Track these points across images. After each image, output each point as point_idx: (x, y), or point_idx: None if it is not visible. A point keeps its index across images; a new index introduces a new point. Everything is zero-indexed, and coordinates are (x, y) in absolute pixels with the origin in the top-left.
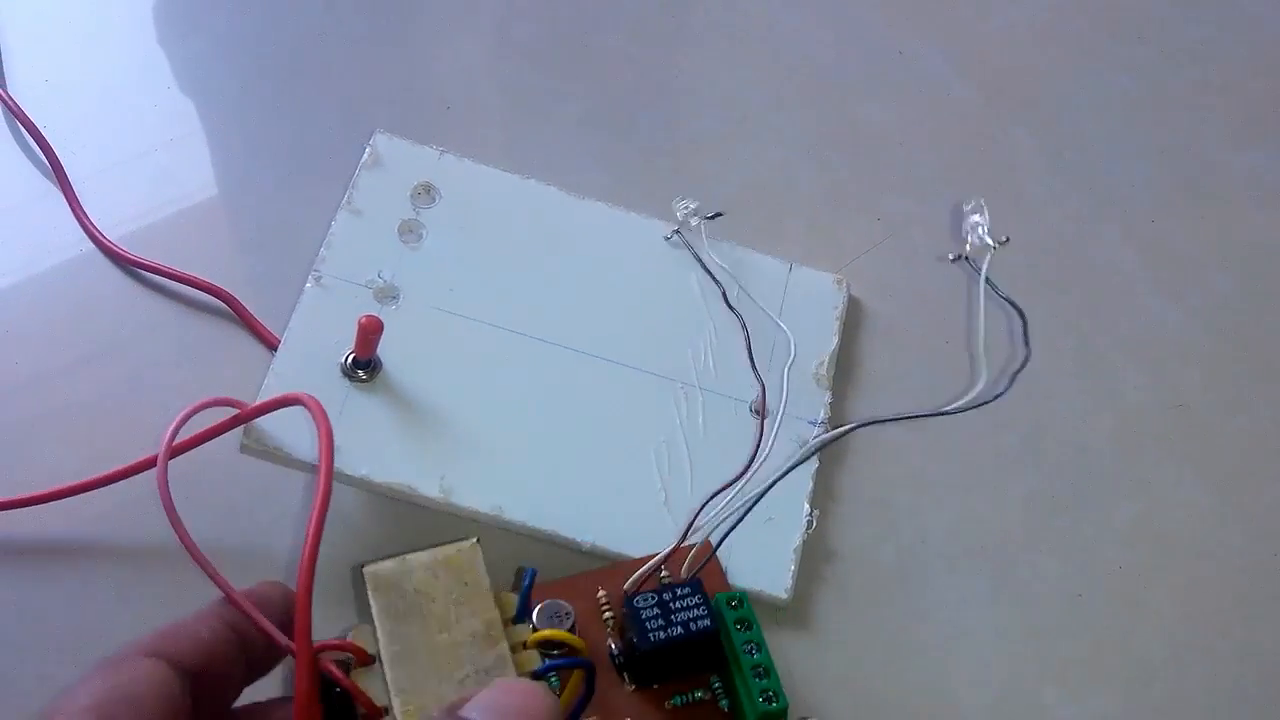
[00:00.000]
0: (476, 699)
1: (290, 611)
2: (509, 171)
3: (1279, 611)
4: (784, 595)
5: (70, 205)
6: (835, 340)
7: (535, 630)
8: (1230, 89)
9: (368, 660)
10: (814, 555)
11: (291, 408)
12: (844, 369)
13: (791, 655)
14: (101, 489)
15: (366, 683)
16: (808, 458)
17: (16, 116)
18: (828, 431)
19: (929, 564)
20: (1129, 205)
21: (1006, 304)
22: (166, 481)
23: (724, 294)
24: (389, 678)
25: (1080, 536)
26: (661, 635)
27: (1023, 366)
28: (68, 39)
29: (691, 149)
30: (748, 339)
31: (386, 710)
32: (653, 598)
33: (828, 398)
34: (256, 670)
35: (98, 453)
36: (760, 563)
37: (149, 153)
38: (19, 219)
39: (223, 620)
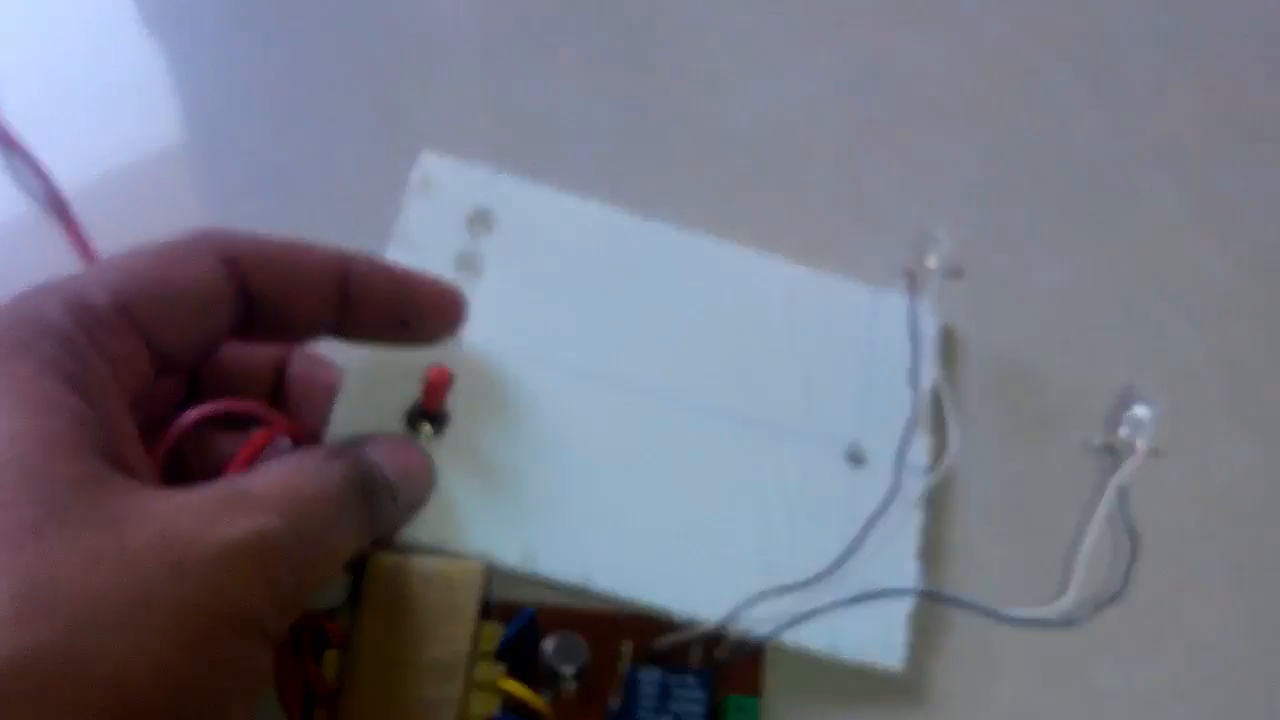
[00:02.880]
0: (371, 446)
1: None
2: (567, 190)
3: None
4: (897, 665)
5: (76, 243)
6: (936, 374)
7: (538, 662)
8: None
9: (340, 643)
10: (927, 617)
11: None
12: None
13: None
14: None
15: (330, 665)
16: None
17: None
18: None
19: None
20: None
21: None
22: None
23: (911, 366)
24: (345, 671)
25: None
26: (650, 718)
27: (1112, 600)
28: (73, 87)
29: (747, 164)
30: (910, 434)
31: (333, 698)
32: (658, 675)
33: (928, 441)
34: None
35: None
36: (869, 629)
37: (160, 180)
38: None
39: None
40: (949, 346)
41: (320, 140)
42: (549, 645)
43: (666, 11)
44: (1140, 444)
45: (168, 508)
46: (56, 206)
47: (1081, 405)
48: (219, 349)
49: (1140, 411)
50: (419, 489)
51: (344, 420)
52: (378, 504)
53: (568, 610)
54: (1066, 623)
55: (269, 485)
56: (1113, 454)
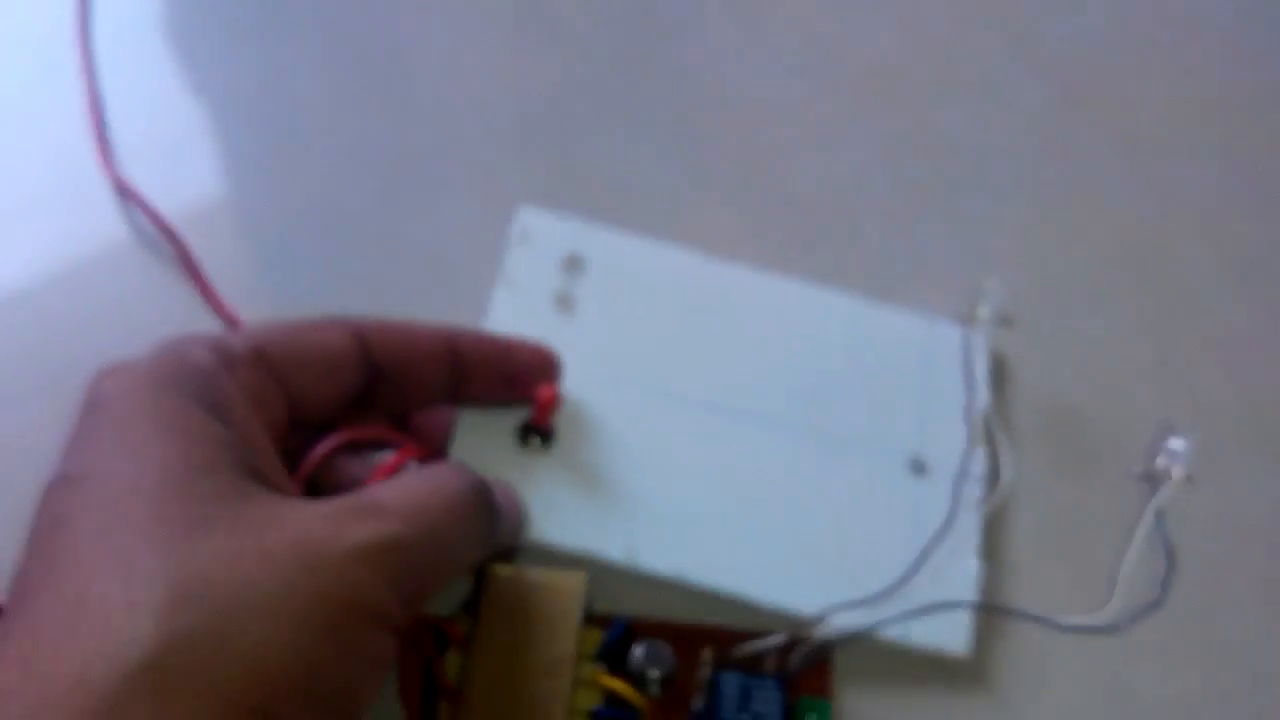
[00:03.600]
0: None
1: None
2: (645, 237)
3: None
4: (963, 651)
5: (199, 286)
6: (986, 398)
7: (626, 666)
8: None
9: (461, 643)
10: (989, 611)
11: None
12: (993, 427)
13: (972, 711)
14: None
15: (452, 663)
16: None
17: (136, 203)
18: (985, 489)
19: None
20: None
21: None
22: None
23: (967, 404)
24: (466, 669)
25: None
26: (730, 717)
27: (1153, 608)
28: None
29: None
30: (968, 464)
31: (457, 693)
32: (738, 681)
33: (984, 454)
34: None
35: None
36: (936, 620)
37: (278, 228)
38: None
39: (352, 332)
40: (999, 379)
41: (429, 200)
42: (638, 651)
43: (733, 85)
44: (1176, 471)
45: (304, 515)
46: (185, 262)
47: (1121, 439)
48: (348, 409)
49: (1175, 443)
50: (516, 524)
51: (465, 436)
52: (493, 519)
53: (655, 621)
54: (1111, 629)
55: (397, 496)
56: (1150, 481)
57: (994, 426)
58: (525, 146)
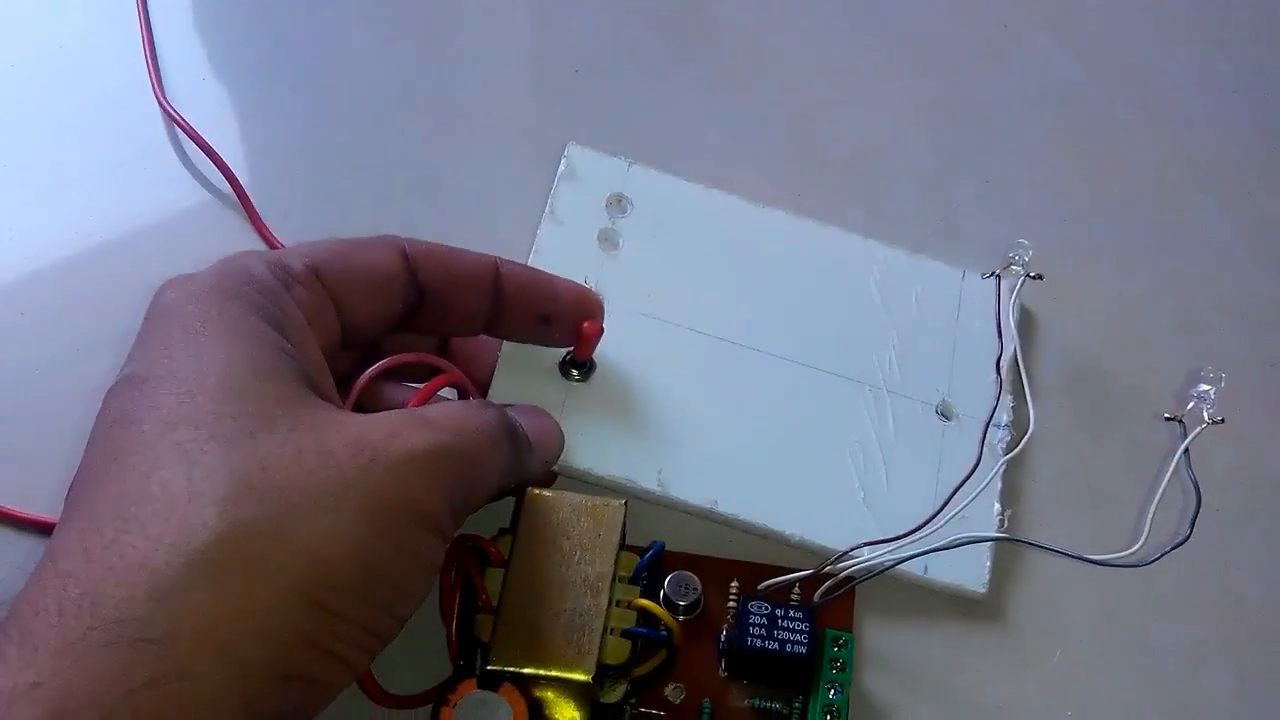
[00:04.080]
0: (517, 409)
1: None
2: (690, 178)
3: None
4: (981, 590)
5: (253, 220)
6: (1015, 346)
7: (659, 595)
8: None
9: (501, 562)
10: (1007, 552)
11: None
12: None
13: (986, 647)
14: None
15: (491, 581)
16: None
17: (191, 136)
18: (1011, 433)
19: None
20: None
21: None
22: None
23: (999, 356)
24: (505, 586)
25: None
26: (758, 643)
27: (1180, 545)
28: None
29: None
30: (994, 409)
31: (495, 610)
32: (766, 608)
33: (1010, 401)
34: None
35: None
36: (956, 559)
37: (330, 162)
38: (199, 238)
39: (403, 254)
40: (1027, 332)
41: (477, 140)
42: (668, 580)
43: (774, 43)
44: (1206, 414)
45: (360, 422)
46: (240, 197)
47: (1146, 388)
48: (393, 329)
49: (1204, 387)
50: (552, 448)
51: (509, 363)
52: (519, 450)
53: (684, 554)
54: (1138, 564)
55: (442, 414)
56: (1180, 424)
57: (1022, 376)
58: (572, 94)
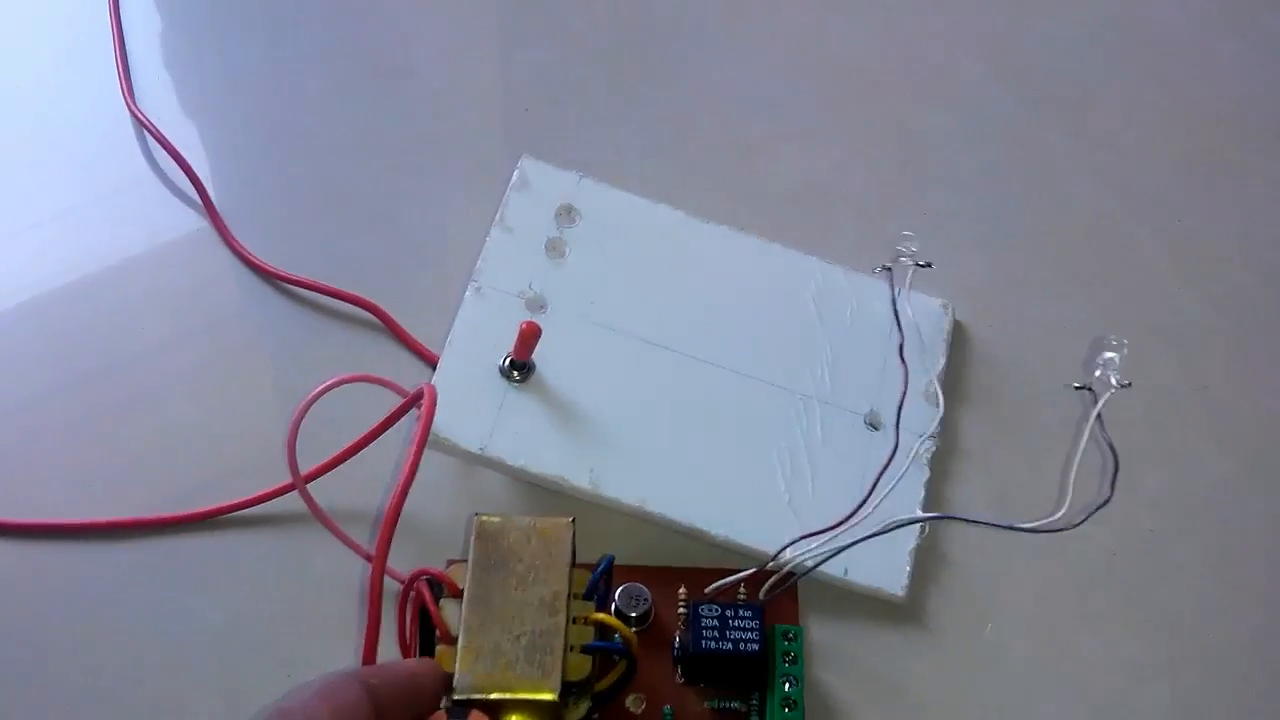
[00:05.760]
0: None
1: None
2: (638, 194)
3: None
4: (900, 594)
5: (214, 223)
6: (943, 361)
7: (610, 608)
8: (1253, 102)
9: (455, 592)
10: (927, 558)
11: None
12: (949, 386)
13: (906, 649)
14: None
15: (448, 612)
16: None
17: (156, 138)
18: (938, 445)
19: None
20: (1156, 205)
21: (1105, 443)
22: (295, 448)
23: (901, 344)
24: (463, 614)
25: (1113, 504)
26: (712, 645)
27: (1103, 505)
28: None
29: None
30: (904, 395)
31: (454, 640)
32: (717, 610)
33: (938, 416)
34: None
35: (257, 462)
36: (879, 563)
37: (289, 167)
38: (164, 241)
39: (364, 687)
40: (956, 346)
41: (435, 147)
42: (618, 593)
43: (718, 81)
44: (1113, 379)
45: None
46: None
47: (1059, 358)
48: None
49: (1109, 354)
50: None
51: (452, 366)
52: None
53: (630, 566)
54: (1066, 528)
55: None
56: (1091, 391)
57: (938, 388)
58: (522, 130)
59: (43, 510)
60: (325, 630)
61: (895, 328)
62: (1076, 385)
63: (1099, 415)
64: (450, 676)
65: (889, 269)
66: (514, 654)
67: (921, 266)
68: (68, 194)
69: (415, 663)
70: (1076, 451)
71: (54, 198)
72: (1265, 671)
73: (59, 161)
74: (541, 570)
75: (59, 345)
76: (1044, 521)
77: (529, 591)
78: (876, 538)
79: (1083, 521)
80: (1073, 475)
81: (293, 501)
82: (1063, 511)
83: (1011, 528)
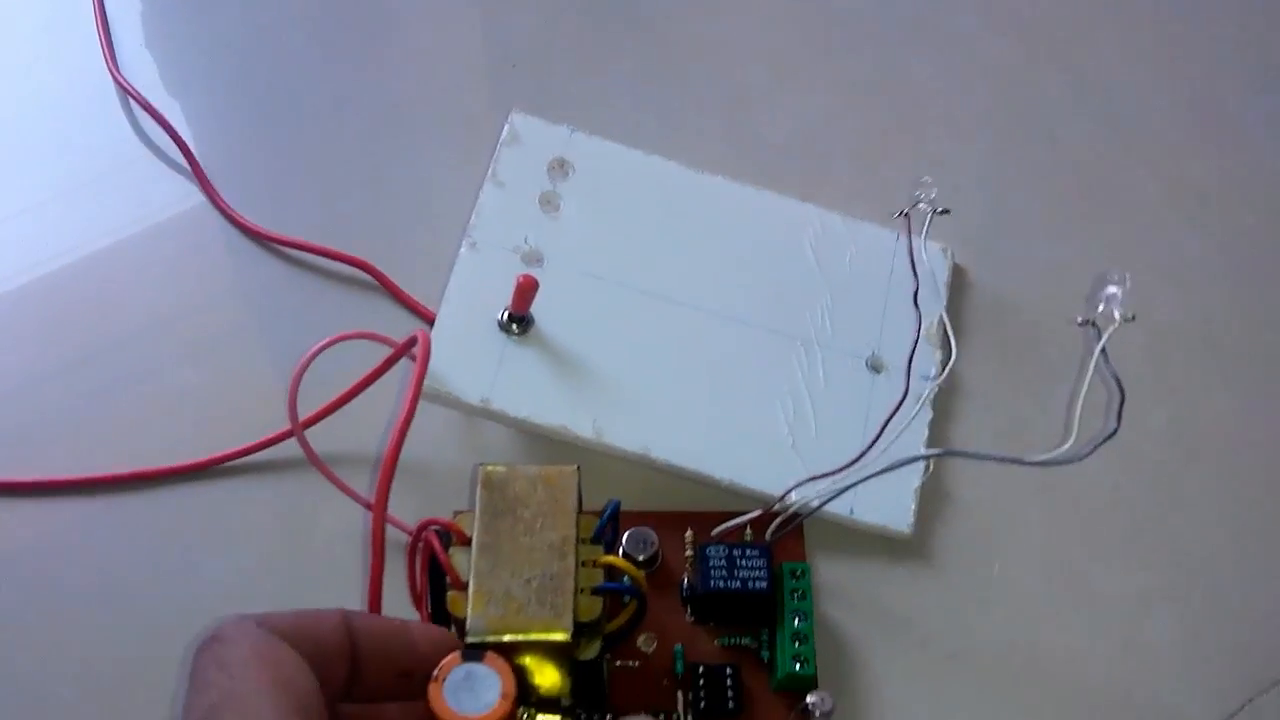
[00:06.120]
0: None
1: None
2: (630, 145)
3: None
4: (906, 531)
5: (205, 190)
6: (944, 303)
7: (617, 552)
8: (1251, 40)
9: (464, 540)
10: (933, 496)
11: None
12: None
13: (913, 585)
14: (259, 452)
15: (457, 560)
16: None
17: (142, 105)
18: (942, 386)
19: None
20: (1154, 146)
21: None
22: (296, 399)
23: (916, 290)
24: (473, 560)
25: (1118, 439)
26: (721, 584)
27: (1110, 438)
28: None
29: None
30: (917, 340)
31: (465, 586)
32: (724, 550)
33: (939, 355)
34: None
35: (256, 418)
36: (886, 501)
37: (278, 129)
38: (154, 209)
39: (346, 626)
40: (956, 287)
41: (423, 105)
42: (625, 537)
43: (705, 32)
44: (1116, 313)
45: None
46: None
47: (1060, 298)
48: None
49: (1112, 289)
50: None
51: (449, 321)
52: None
53: (637, 512)
54: (1072, 460)
55: None
56: (1094, 326)
57: (948, 328)
58: (510, 86)
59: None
60: (330, 580)
61: (908, 276)
62: (1080, 320)
63: (1103, 349)
64: (462, 622)
65: (906, 215)
66: (525, 597)
67: (940, 213)
68: (55, 167)
69: (416, 622)
70: (1082, 385)
71: (42, 172)
72: (1270, 599)
73: (45, 135)
74: (548, 516)
75: (55, 319)
76: (1051, 455)
77: (537, 537)
78: (882, 477)
79: (1089, 453)
80: (1079, 409)
81: (292, 450)
82: (1069, 444)
83: (1019, 461)
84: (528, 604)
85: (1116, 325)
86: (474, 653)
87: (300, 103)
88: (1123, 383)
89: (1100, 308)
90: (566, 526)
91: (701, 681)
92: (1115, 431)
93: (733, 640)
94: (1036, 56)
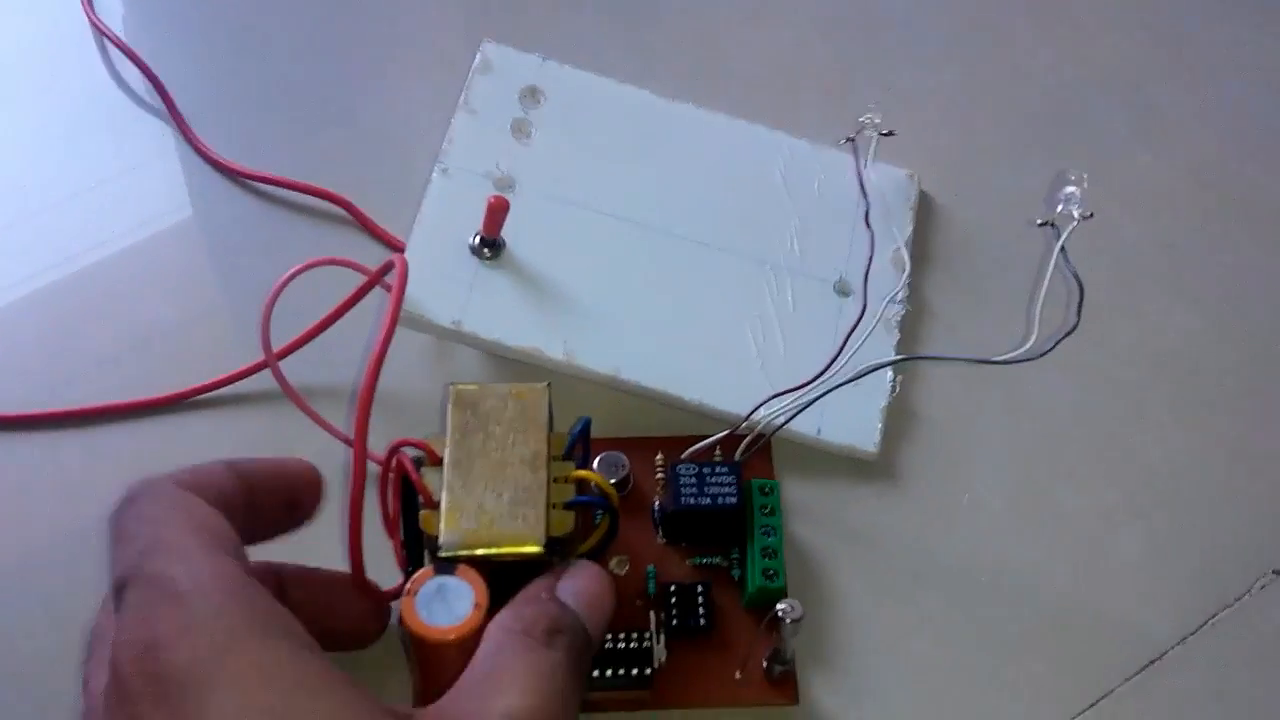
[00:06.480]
0: (563, 584)
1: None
2: (602, 74)
3: (1262, 416)
4: (873, 450)
5: (179, 127)
6: (910, 228)
7: (588, 470)
8: None
9: (436, 461)
10: (899, 416)
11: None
12: (916, 254)
13: (880, 504)
14: (234, 384)
15: (430, 479)
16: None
17: (118, 46)
18: (907, 308)
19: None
20: (1120, 76)
21: (1070, 273)
22: (269, 329)
23: (867, 210)
24: (445, 476)
25: (1082, 357)
26: (691, 501)
27: (1071, 333)
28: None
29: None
30: (871, 258)
31: (438, 505)
32: (694, 468)
33: (905, 278)
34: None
35: (231, 353)
36: (852, 422)
37: (251, 67)
38: (130, 147)
39: (234, 471)
40: (924, 203)
41: (395, 39)
42: (597, 462)
43: None
44: (1075, 212)
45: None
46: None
47: (1022, 225)
48: None
49: (1070, 189)
50: (602, 616)
51: (421, 244)
52: (587, 661)
53: (609, 438)
54: (1033, 357)
55: (512, 679)
56: (1053, 227)
57: (914, 255)
58: (481, 17)
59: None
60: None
61: (861, 196)
62: (1039, 222)
63: (1063, 248)
64: (435, 540)
65: (852, 140)
66: (497, 511)
67: (885, 135)
68: (31, 107)
69: (285, 457)
70: (1042, 284)
71: (17, 111)
72: (1232, 516)
73: (21, 76)
74: (520, 432)
75: (28, 254)
76: (1013, 353)
77: (508, 452)
78: (848, 394)
79: (1051, 349)
80: (1039, 308)
81: (267, 381)
82: (1030, 342)
83: (982, 361)
84: (500, 517)
85: (1076, 224)
86: (446, 565)
87: (273, 39)
88: (1082, 279)
89: (1059, 208)
90: (538, 441)
91: (673, 600)
92: (1076, 326)
93: (704, 560)
94: None
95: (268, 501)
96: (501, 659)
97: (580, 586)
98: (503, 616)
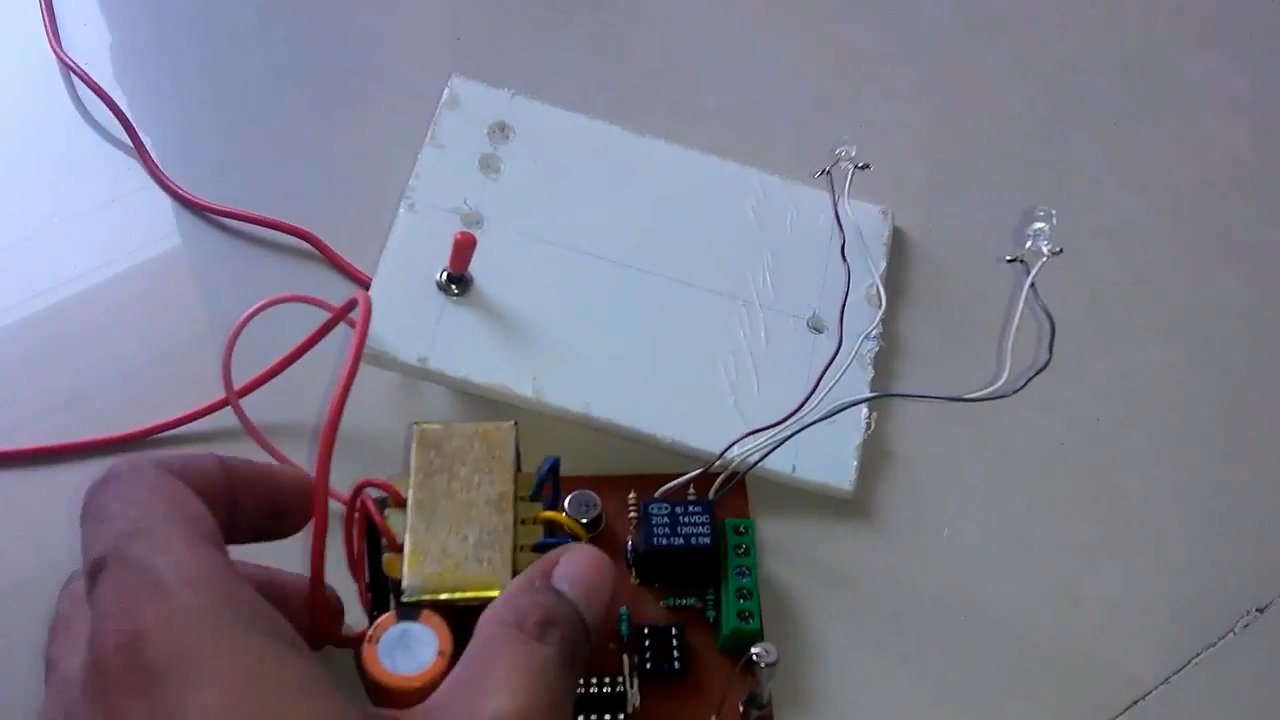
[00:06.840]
0: (559, 569)
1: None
2: (572, 111)
3: (1240, 451)
4: (848, 488)
5: (145, 163)
6: (884, 264)
7: (557, 511)
8: (1185, 4)
9: (400, 502)
10: (874, 453)
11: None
12: (890, 289)
13: (856, 542)
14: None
15: (394, 521)
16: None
17: (85, 82)
18: (881, 344)
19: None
20: (1094, 111)
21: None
22: (230, 366)
23: (843, 244)
24: (408, 519)
25: (1057, 393)
26: (664, 541)
27: (1042, 370)
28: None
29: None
30: (847, 292)
31: (402, 547)
32: (667, 508)
33: (880, 314)
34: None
35: (194, 391)
36: (827, 459)
37: (217, 102)
38: (96, 183)
39: (223, 466)
40: (898, 239)
41: (364, 76)
42: (568, 501)
43: (648, 6)
44: (1044, 248)
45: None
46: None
47: (993, 236)
48: None
49: (1039, 225)
50: (600, 604)
51: (388, 281)
52: (584, 652)
53: (580, 476)
54: (1006, 394)
55: (506, 676)
56: (1022, 263)
57: (880, 288)
58: (453, 60)
59: None
60: (270, 550)
61: (836, 232)
62: (1009, 258)
63: (1032, 284)
64: (399, 584)
65: (829, 173)
66: (462, 554)
67: (860, 169)
68: None
69: (281, 465)
70: (1013, 322)
71: None
72: (1213, 553)
73: None
74: (486, 473)
75: None
76: (985, 391)
77: (474, 494)
78: (823, 431)
79: (1023, 386)
80: (1009, 344)
81: (228, 420)
82: (1003, 379)
83: (955, 399)
84: (465, 561)
85: (1045, 259)
86: (410, 611)
87: (241, 74)
88: (1053, 315)
89: (1028, 244)
90: (505, 482)
91: (647, 643)
92: (1048, 363)
93: (678, 601)
94: (974, 23)
95: (250, 504)
96: (491, 655)
97: (577, 573)
98: (495, 607)
